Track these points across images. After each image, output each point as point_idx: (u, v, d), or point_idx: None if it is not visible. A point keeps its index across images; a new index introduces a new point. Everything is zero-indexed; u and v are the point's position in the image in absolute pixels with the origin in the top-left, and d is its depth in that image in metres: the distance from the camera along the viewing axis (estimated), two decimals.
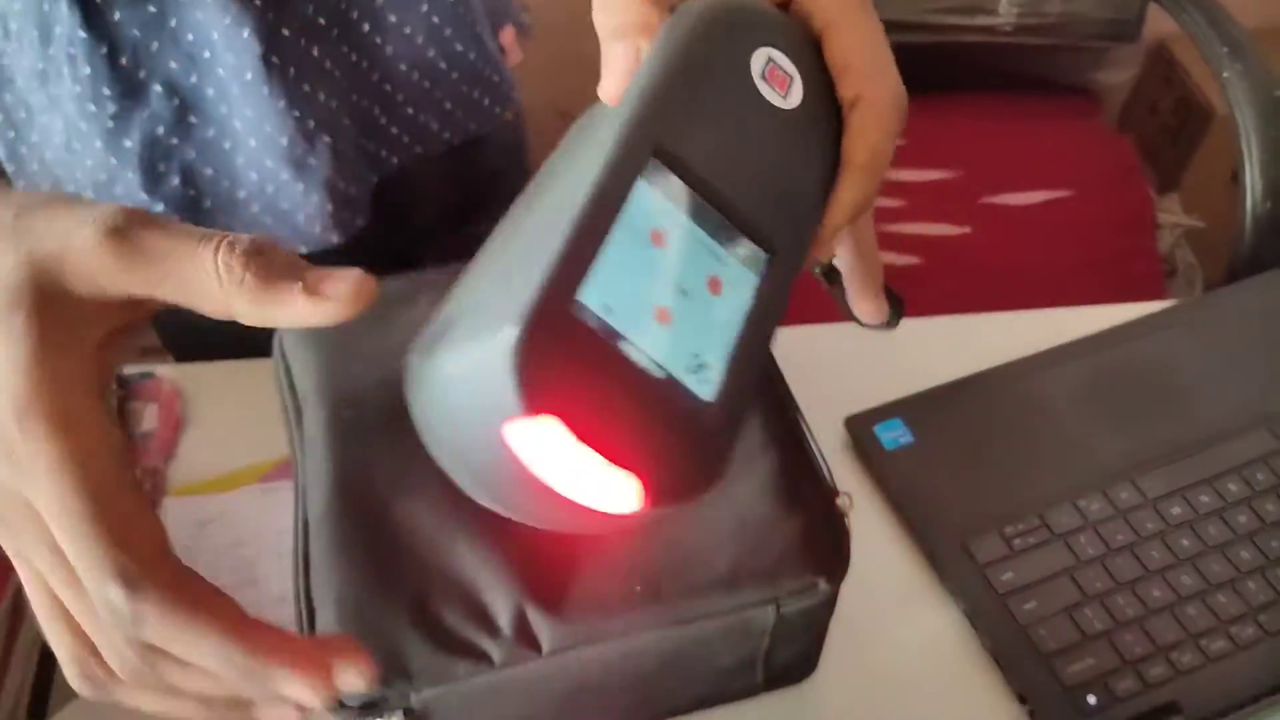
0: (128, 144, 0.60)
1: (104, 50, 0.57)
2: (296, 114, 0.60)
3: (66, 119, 0.60)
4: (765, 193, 0.33)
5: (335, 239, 0.66)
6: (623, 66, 0.34)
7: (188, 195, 0.63)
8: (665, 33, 0.34)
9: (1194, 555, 0.57)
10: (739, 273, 0.32)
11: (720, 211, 0.32)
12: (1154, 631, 0.54)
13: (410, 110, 0.69)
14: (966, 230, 1.22)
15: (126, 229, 0.28)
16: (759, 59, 0.34)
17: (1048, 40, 1.26)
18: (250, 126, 0.61)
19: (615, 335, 0.29)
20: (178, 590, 0.27)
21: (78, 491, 0.26)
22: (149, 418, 0.68)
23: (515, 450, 0.27)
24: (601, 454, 0.27)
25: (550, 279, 0.27)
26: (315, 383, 0.52)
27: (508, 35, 0.80)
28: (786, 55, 0.35)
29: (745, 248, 0.33)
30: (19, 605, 0.53)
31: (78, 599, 0.28)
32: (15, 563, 0.29)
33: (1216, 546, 0.58)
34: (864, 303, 0.43)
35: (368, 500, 0.46)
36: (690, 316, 0.30)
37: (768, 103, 0.34)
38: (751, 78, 0.34)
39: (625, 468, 0.27)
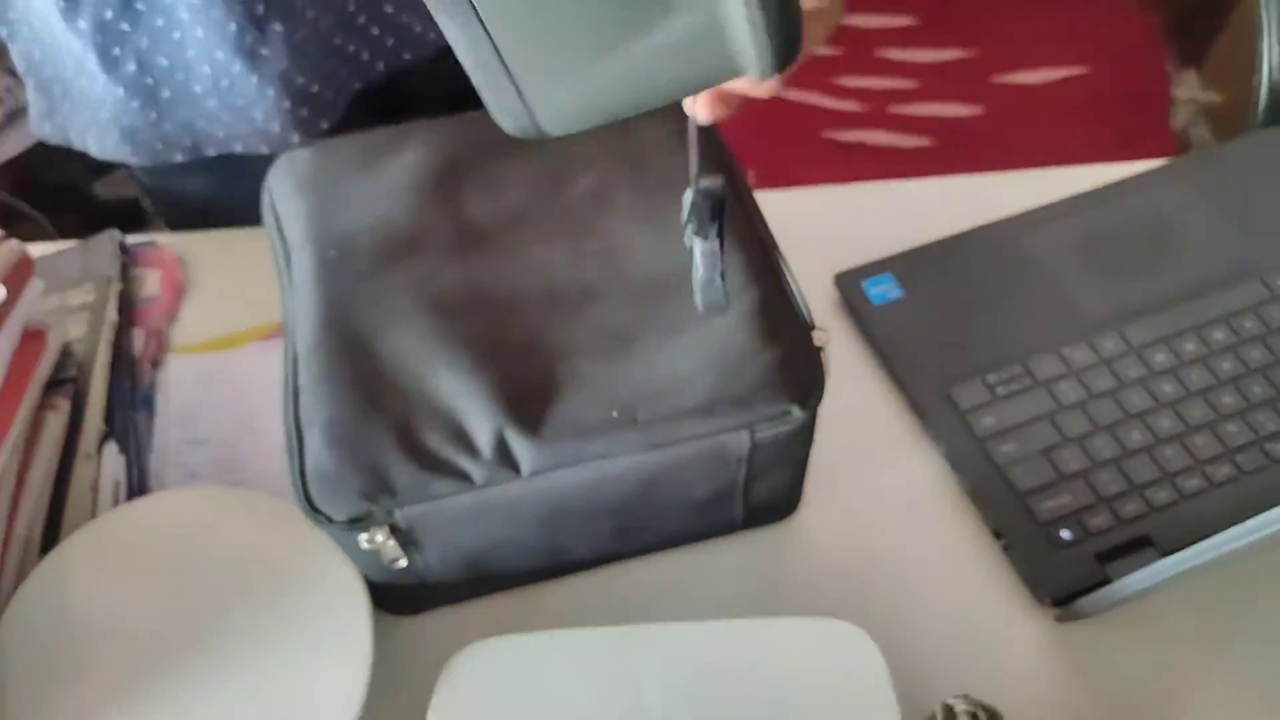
0: (81, 25, 0.61)
1: None
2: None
3: None
4: None
5: (296, 139, 0.65)
6: None
7: (144, 82, 0.63)
8: None
9: (1175, 400, 0.58)
10: None
11: None
12: (1130, 471, 0.55)
13: (389, 9, 0.67)
14: (978, 110, 1.20)
15: None
16: None
17: None
18: (197, 15, 0.60)
19: None
20: None
21: None
22: (151, 283, 0.69)
23: None
24: None
25: None
26: (304, 227, 0.53)
27: None
28: None
29: None
30: (33, 436, 0.55)
31: None
32: None
33: (1198, 392, 0.58)
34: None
35: (353, 333, 0.48)
36: None
37: None
38: None
39: None
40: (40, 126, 0.69)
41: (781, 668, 0.45)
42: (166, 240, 0.71)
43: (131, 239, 0.70)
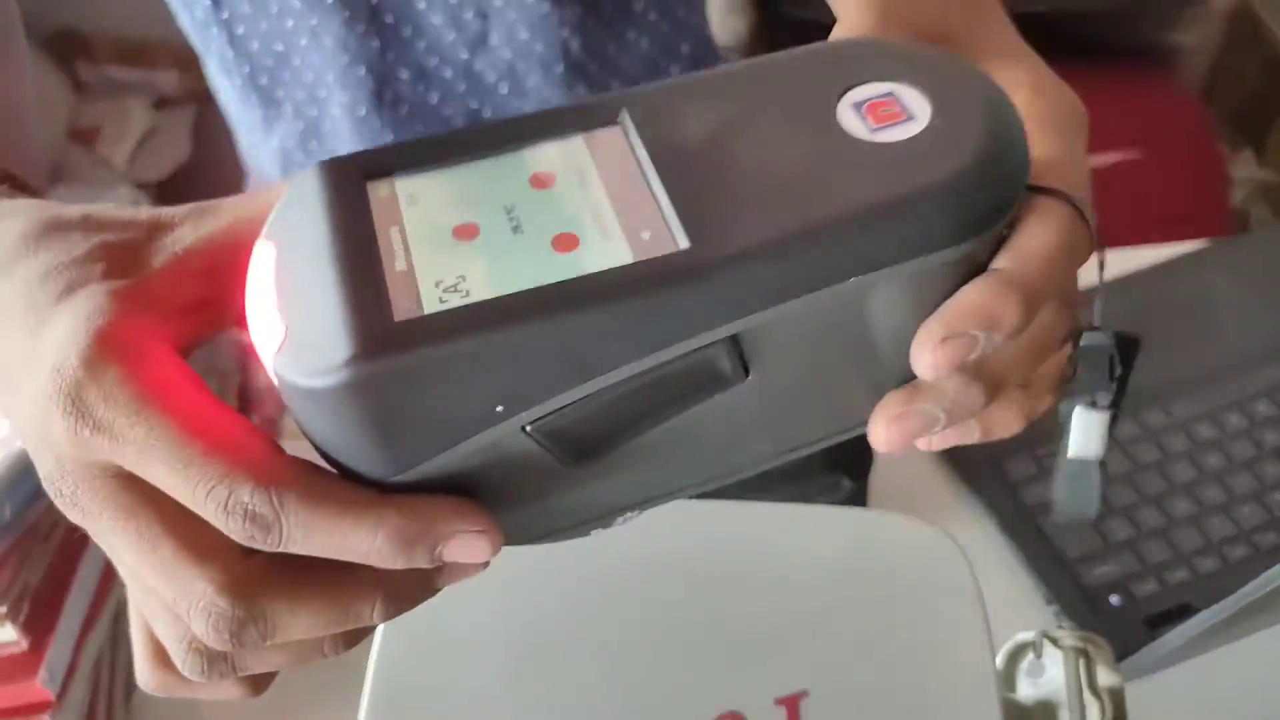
0: (273, 144, 0.69)
1: (246, 70, 0.66)
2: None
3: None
4: (761, 210, 0.23)
5: None
6: None
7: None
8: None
9: (1220, 472, 0.60)
10: (610, 247, 0.23)
11: (660, 182, 0.24)
12: (1176, 540, 0.58)
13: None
14: None
15: (207, 204, 0.28)
16: (868, 89, 0.25)
17: (1115, 3, 1.27)
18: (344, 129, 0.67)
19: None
20: (309, 477, 0.23)
21: (168, 413, 0.23)
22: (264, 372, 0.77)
23: None
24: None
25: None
26: None
27: None
28: (924, 94, 0.25)
29: (650, 230, 0.23)
30: None
31: (169, 581, 0.24)
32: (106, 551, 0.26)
33: (1244, 463, 0.60)
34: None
35: None
36: (497, 248, 0.23)
37: (840, 128, 0.24)
38: (833, 99, 0.25)
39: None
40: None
41: (845, 561, 0.37)
42: None
43: None
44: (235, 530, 0.23)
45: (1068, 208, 0.26)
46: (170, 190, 1.26)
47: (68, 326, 0.24)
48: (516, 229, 0.23)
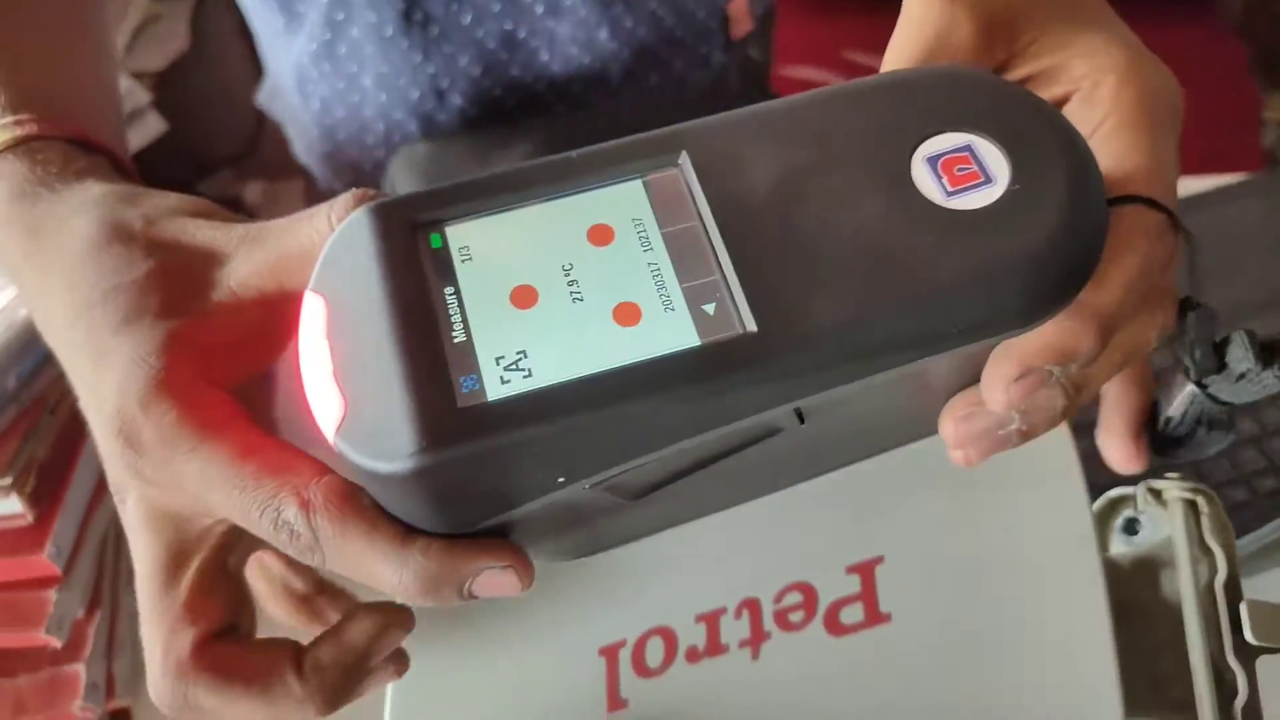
0: (290, 57, 0.66)
1: None
2: (431, 70, 0.63)
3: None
4: (827, 275, 0.22)
5: None
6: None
7: (322, 124, 0.68)
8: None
9: (1251, 408, 0.59)
10: (673, 322, 0.22)
11: (724, 247, 0.23)
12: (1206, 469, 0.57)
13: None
14: None
15: (255, 230, 0.28)
16: (945, 140, 0.24)
17: None
18: (384, 81, 0.64)
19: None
20: (347, 507, 0.24)
21: (220, 444, 0.25)
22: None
23: None
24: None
25: None
26: None
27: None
28: (1002, 150, 0.23)
29: (714, 303, 0.22)
30: None
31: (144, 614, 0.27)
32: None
33: (1271, 400, 0.59)
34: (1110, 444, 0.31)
35: None
36: (558, 319, 0.22)
37: (915, 190, 0.23)
38: (908, 151, 0.24)
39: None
40: (270, 103, 0.75)
41: None
42: None
43: None
44: (286, 547, 0.24)
45: (1155, 216, 0.25)
46: (170, 81, 1.22)
47: (124, 370, 0.26)
48: (576, 297, 0.22)
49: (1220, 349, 0.30)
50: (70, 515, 0.47)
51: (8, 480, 0.45)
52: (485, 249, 0.23)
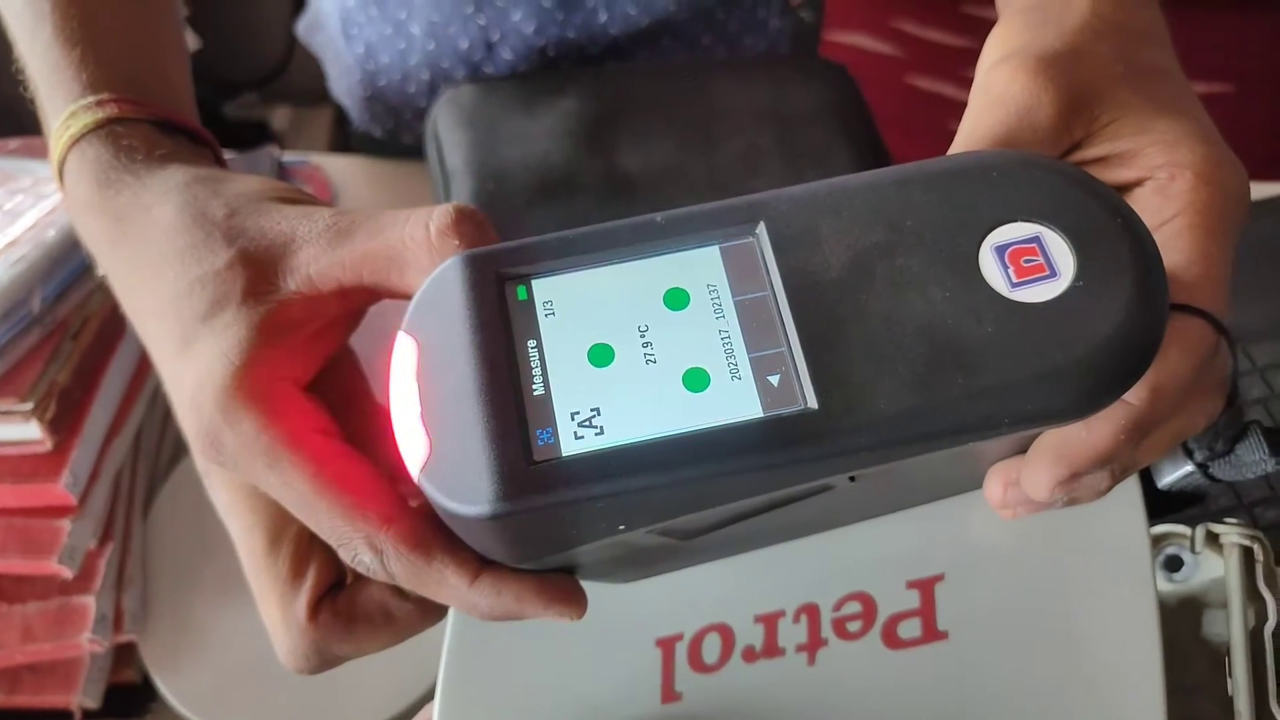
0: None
1: None
2: (481, 22, 0.61)
3: None
4: (883, 362, 0.23)
5: None
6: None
7: (366, 67, 0.67)
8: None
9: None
10: (739, 391, 0.23)
11: (791, 317, 0.23)
12: (1240, 488, 0.55)
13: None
14: None
15: (341, 222, 0.28)
16: (1015, 230, 0.24)
17: None
18: (433, 30, 0.63)
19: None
20: (415, 543, 0.26)
21: (298, 468, 0.26)
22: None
23: None
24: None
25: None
26: (464, 159, 0.56)
27: None
28: (1070, 245, 0.24)
29: (779, 375, 0.23)
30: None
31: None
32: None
33: None
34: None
35: None
36: (631, 379, 0.23)
37: (981, 278, 0.24)
38: (978, 238, 0.24)
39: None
40: (309, 35, 0.73)
41: None
42: (319, 160, 0.75)
43: (287, 156, 0.74)
44: (363, 571, 0.26)
45: (1208, 329, 0.25)
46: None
47: (208, 363, 0.26)
48: (650, 359, 0.23)
49: (1233, 438, 0.31)
50: (88, 445, 0.46)
51: (29, 405, 0.44)
52: (568, 304, 0.24)
